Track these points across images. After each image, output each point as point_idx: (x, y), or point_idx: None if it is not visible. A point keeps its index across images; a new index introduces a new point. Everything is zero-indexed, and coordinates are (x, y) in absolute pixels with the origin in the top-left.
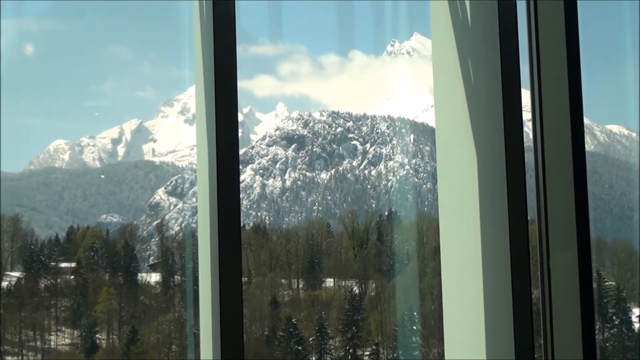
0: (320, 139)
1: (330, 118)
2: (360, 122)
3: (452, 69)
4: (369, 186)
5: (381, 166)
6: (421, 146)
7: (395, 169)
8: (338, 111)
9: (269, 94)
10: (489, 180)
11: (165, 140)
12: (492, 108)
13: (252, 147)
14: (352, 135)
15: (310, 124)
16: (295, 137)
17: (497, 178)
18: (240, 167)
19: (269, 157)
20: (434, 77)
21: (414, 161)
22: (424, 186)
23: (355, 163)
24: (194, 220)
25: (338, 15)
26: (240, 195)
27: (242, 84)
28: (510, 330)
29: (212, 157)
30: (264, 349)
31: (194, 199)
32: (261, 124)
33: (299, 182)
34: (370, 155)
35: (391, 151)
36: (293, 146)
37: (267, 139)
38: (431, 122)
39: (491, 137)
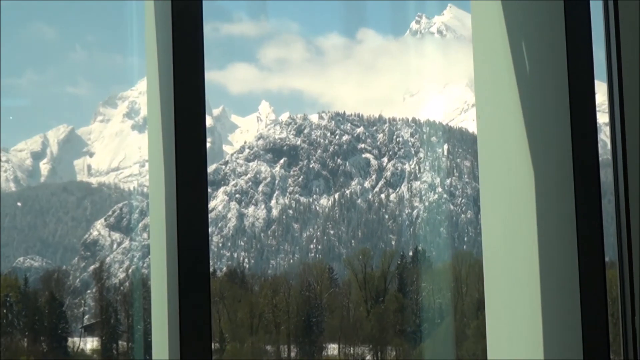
0: (319, 151)
1: (332, 122)
2: (374, 128)
3: (500, 54)
4: (386, 216)
5: (403, 188)
6: (458, 160)
7: (423, 192)
8: (344, 112)
9: (248, 89)
10: (551, 208)
11: (106, 154)
12: (555, 108)
13: (226, 163)
14: (363, 146)
15: (306, 131)
16: (285, 148)
17: (562, 205)
18: (210, 190)
19: (249, 176)
20: (475, 66)
21: (448, 181)
22: (463, 216)
23: (367, 184)
24: (144, 264)
25: None
26: (210, 230)
27: (211, 76)
28: None
29: (170, 177)
30: None
31: (144, 235)
32: (238, 131)
33: (290, 211)
34: (388, 174)
35: (417, 167)
36: (282, 161)
37: (247, 151)
38: (471, 127)
39: (554, 148)
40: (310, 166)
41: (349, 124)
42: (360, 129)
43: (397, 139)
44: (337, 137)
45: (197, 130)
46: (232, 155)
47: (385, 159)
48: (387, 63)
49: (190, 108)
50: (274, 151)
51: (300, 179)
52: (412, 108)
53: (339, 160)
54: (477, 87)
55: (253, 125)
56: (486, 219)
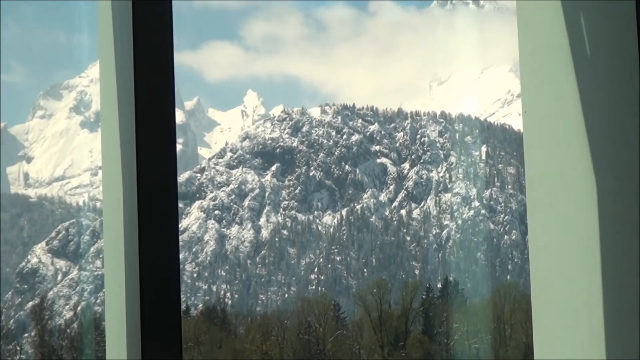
0: (321, 154)
1: (339, 118)
2: (392, 125)
3: (553, 31)
4: (408, 238)
5: (430, 202)
6: (500, 166)
7: (456, 208)
8: (353, 105)
9: (230, 75)
10: (618, 227)
11: (48, 159)
12: (623, 99)
13: (202, 171)
14: (378, 149)
15: (304, 129)
16: (278, 151)
17: (630, 224)
18: (182, 205)
19: (232, 187)
20: (521, 46)
21: (487, 193)
22: (506, 237)
23: (384, 197)
24: (97, 300)
25: None
26: (182, 256)
27: (183, 59)
28: None
29: (131, 189)
30: None
31: (97, 263)
32: (217, 129)
33: (285, 232)
34: (410, 184)
35: (447, 175)
36: (274, 168)
37: (228, 155)
38: (517, 123)
39: (621, 150)
40: (311, 174)
41: (360, 120)
42: (374, 127)
43: (422, 139)
44: (344, 136)
45: (164, 129)
46: (209, 160)
47: (406, 165)
48: (409, 42)
49: (155, 100)
50: (264, 155)
51: (297, 191)
52: (441, 99)
53: (347, 166)
54: (524, 72)
55: (237, 121)
56: (536, 241)
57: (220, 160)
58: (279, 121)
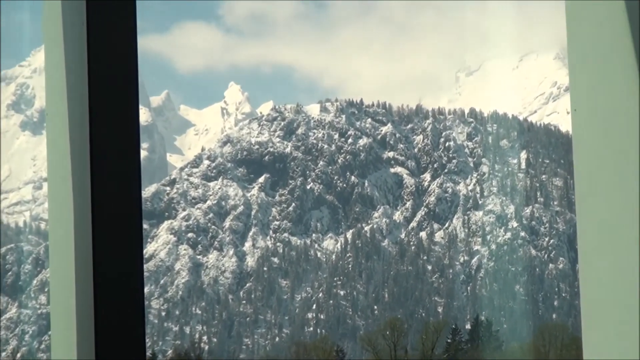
0: (321, 162)
1: (343, 117)
2: (409, 126)
3: (610, 12)
4: (429, 267)
5: (456, 223)
6: (544, 177)
7: (489, 229)
8: (360, 102)
9: (206, 64)
10: None
11: None
12: None
13: (172, 183)
14: (391, 155)
15: (300, 130)
16: (268, 158)
17: None
18: (147, 226)
19: (210, 203)
20: (569, 29)
21: (527, 210)
22: (551, 266)
23: (398, 216)
24: (42, 345)
25: None
26: (147, 289)
27: (149, 44)
28: None
29: (83, 206)
30: None
31: (42, 299)
32: (191, 131)
33: (276, 260)
34: (431, 199)
35: (478, 189)
36: (262, 179)
37: (205, 163)
38: (565, 123)
39: None
40: (308, 187)
41: (369, 120)
42: (387, 128)
43: (447, 144)
44: (350, 140)
45: (125, 131)
46: (181, 170)
47: (427, 176)
48: (429, 22)
49: (114, 95)
50: (250, 163)
51: (291, 208)
52: (470, 93)
53: (353, 177)
54: (573, 60)
55: (215, 121)
56: (588, 271)
57: (195, 170)
58: (268, 121)
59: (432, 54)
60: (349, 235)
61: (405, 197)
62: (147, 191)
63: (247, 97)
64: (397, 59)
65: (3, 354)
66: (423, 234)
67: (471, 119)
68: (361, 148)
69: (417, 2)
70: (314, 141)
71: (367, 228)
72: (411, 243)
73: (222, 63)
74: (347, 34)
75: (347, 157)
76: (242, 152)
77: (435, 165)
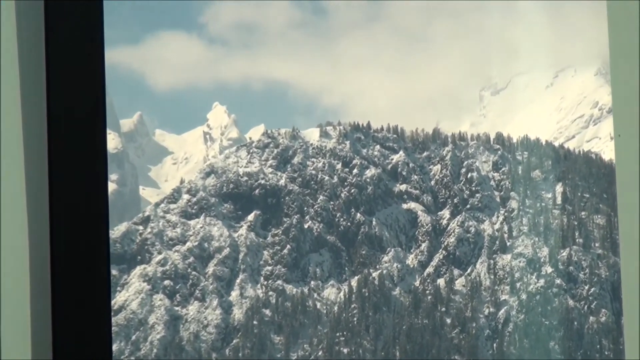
0: (321, 196)
1: (347, 143)
2: (425, 153)
3: None
4: (448, 320)
5: (480, 268)
6: (583, 214)
7: (518, 275)
8: (367, 125)
9: (186, 80)
10: None
11: None
12: None
13: (146, 221)
14: (404, 188)
15: (297, 159)
16: (258, 192)
17: None
18: (115, 272)
19: (190, 246)
20: (612, 41)
21: (564, 253)
22: (592, 319)
23: (412, 260)
24: None
25: None
26: (115, 347)
27: (119, 57)
28: None
29: (39, 247)
30: None
31: None
32: (169, 160)
33: (267, 312)
34: (451, 240)
35: (506, 227)
36: (252, 216)
37: (185, 198)
38: (608, 151)
39: None
40: (305, 226)
41: (378, 147)
42: (398, 156)
43: (469, 175)
44: (355, 170)
45: (90, 160)
46: (157, 205)
47: (445, 213)
48: (448, 32)
49: (76, 117)
50: (237, 198)
51: (285, 251)
52: (497, 115)
53: (358, 214)
54: (617, 77)
55: (197, 148)
56: (633, 325)
57: (172, 205)
58: (258, 148)
59: (451, 69)
60: (353, 282)
61: (420, 237)
62: (116, 231)
63: (234, 120)
64: (410, 74)
65: None
66: (441, 281)
67: (498, 146)
68: (368, 180)
69: (433, 6)
70: (313, 172)
71: (375, 274)
72: (427, 292)
73: (204, 80)
74: (351, 44)
75: (352, 190)
76: (228, 185)
77: (455, 201)
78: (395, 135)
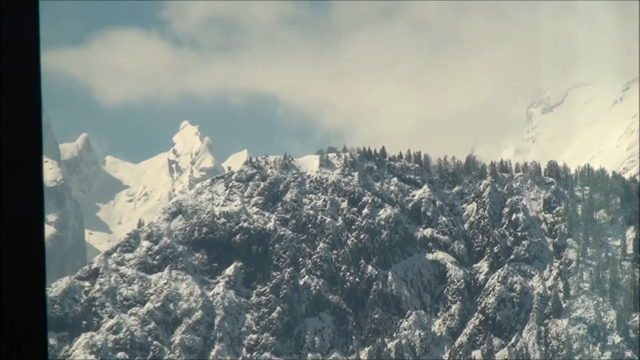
0: (321, 244)
1: (355, 174)
2: (456, 188)
3: None
4: None
5: (527, 336)
6: None
7: (577, 345)
8: (382, 150)
9: (146, 93)
10: None
11: None
12: None
13: (95, 274)
14: (429, 233)
15: (290, 195)
16: (240, 237)
17: None
18: (55, 341)
19: (152, 307)
20: None
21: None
22: None
23: (439, 326)
24: None
25: None
26: None
27: (58, 61)
28: None
29: None
30: None
31: None
32: (123, 194)
33: None
34: (490, 301)
35: (561, 284)
36: (231, 269)
37: (145, 245)
38: None
39: None
40: (301, 282)
41: (395, 179)
42: (422, 192)
43: (513, 216)
44: (366, 210)
45: (21, 195)
46: (108, 255)
47: (483, 266)
48: (486, 30)
49: (3, 139)
50: (212, 246)
51: (275, 314)
52: (550, 138)
53: (370, 267)
54: None
55: (160, 181)
56: None
57: (128, 255)
58: (240, 181)
59: (489, 78)
60: (363, 355)
61: (449, 297)
62: (56, 288)
63: (208, 145)
64: (436, 85)
65: None
66: (477, 354)
67: (550, 179)
68: (383, 223)
69: (459, 2)
70: (311, 212)
71: (391, 344)
72: None
73: (169, 92)
74: (358, 47)
75: (362, 236)
76: (200, 229)
77: (495, 250)
78: (417, 165)
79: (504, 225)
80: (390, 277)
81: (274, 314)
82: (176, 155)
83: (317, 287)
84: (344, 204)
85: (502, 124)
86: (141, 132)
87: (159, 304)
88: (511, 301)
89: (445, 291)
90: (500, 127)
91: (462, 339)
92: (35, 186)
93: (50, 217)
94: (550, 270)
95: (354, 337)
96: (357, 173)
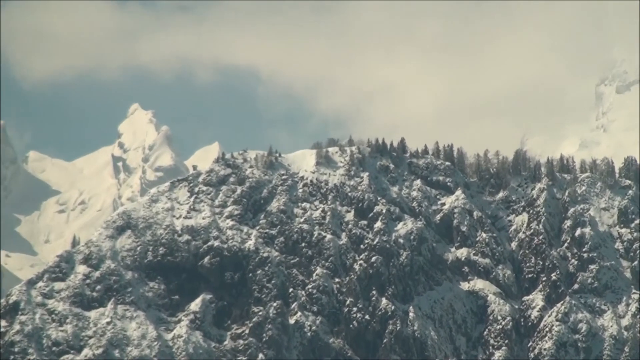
0: (318, 267)
1: (364, 175)
2: (500, 193)
3: None
4: None
5: None
6: None
7: None
8: (400, 143)
9: (84, 64)
10: None
11: None
12: None
13: (15, 309)
14: (463, 254)
15: (277, 204)
16: (210, 261)
17: None
18: None
19: (91, 353)
20: None
21: None
22: None
23: None
24: None
25: None
26: None
27: None
28: None
29: None
30: None
31: None
32: (51, 202)
33: None
34: (548, 345)
35: None
36: (197, 303)
37: (81, 270)
38: None
39: None
40: (292, 319)
41: (419, 182)
42: (454, 198)
43: (577, 231)
44: (379, 224)
45: None
46: (32, 284)
47: (536, 298)
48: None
49: None
50: (172, 271)
51: None
52: (626, 127)
53: (384, 300)
54: None
55: (102, 183)
56: None
57: (59, 285)
58: (209, 185)
59: (546, 46)
60: None
61: (492, 341)
62: None
63: (166, 136)
64: (472, 55)
65: None
66: None
67: (628, 182)
68: (402, 241)
69: None
70: (305, 226)
71: None
72: None
73: (112, 66)
74: (367, 5)
75: (373, 258)
76: (155, 250)
77: (553, 277)
78: (448, 163)
79: (565, 244)
80: (411, 314)
81: None
82: (123, 150)
83: (314, 328)
84: (350, 216)
85: (562, 107)
86: (75, 119)
87: (100, 350)
88: (574, 346)
89: (486, 333)
90: (559, 111)
91: None
92: None
93: None
94: (628, 305)
95: None
96: (366, 174)
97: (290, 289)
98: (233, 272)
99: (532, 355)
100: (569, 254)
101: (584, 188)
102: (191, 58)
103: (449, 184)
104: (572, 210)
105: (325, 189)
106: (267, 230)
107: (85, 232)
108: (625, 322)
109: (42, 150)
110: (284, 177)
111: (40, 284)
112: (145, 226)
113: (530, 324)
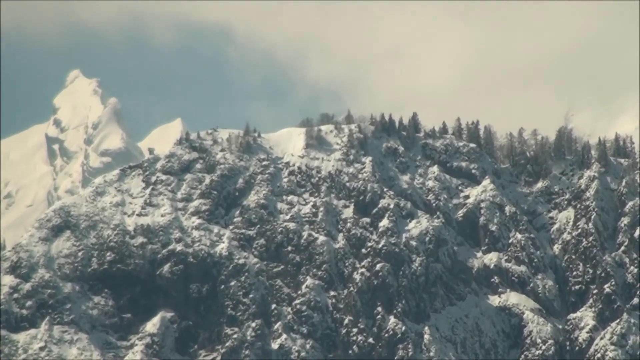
0: (308, 276)
1: (367, 159)
2: (538, 184)
3: None
4: None
5: None
6: None
7: None
8: (412, 119)
9: (16, 24)
10: None
11: None
12: None
13: None
14: (492, 260)
15: (256, 197)
16: (172, 269)
17: None
18: None
19: None
20: None
21: None
22: None
23: None
24: None
25: None
26: None
27: None
28: None
29: None
30: None
31: None
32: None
33: None
34: None
35: None
36: (154, 323)
37: (9, 281)
38: None
39: None
40: (275, 344)
41: (436, 168)
42: (481, 189)
43: (637, 231)
44: (385, 222)
45: None
46: None
47: (586, 316)
48: None
49: None
50: (123, 282)
51: None
52: None
53: (392, 318)
54: None
55: (34, 171)
56: None
57: None
58: (170, 173)
59: (589, 9)
60: None
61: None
62: None
63: (114, 111)
64: (500, 11)
65: None
66: None
67: None
68: (414, 243)
69: None
70: (292, 225)
71: None
72: None
73: (47, 23)
74: None
75: (378, 265)
76: (101, 255)
77: (606, 288)
78: (473, 145)
79: (622, 248)
80: (427, 336)
81: None
82: (60, 129)
83: (303, 354)
84: (348, 212)
85: (617, 74)
86: (3, 89)
87: None
88: None
89: (521, 358)
90: (614, 79)
91: None
92: None
93: None
94: None
95: None
96: (369, 159)
97: (273, 305)
98: (200, 283)
99: None
100: (626, 260)
101: None
102: (145, 14)
103: (473, 171)
104: (630, 204)
105: (316, 178)
106: (243, 231)
107: (11, 234)
108: None
109: None
110: (264, 163)
111: None
112: (89, 226)
113: (577, 348)
